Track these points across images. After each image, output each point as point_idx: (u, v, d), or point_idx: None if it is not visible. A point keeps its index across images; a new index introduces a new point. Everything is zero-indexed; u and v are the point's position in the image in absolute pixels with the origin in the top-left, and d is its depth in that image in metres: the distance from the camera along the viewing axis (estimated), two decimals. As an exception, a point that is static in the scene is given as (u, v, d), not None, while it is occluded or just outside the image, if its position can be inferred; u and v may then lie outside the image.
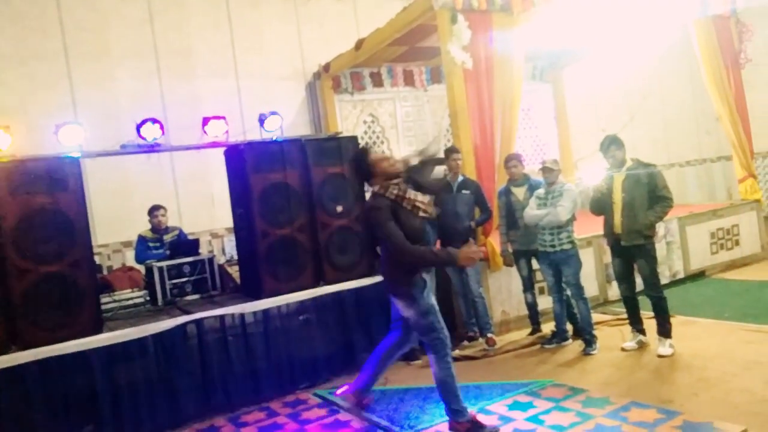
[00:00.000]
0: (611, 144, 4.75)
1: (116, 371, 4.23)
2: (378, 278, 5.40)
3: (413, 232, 3.53)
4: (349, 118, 8.64)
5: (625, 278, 4.86)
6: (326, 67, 8.24)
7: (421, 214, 3.58)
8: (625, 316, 5.12)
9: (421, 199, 3.61)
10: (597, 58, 9.34)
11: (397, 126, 9.04)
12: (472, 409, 3.68)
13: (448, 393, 3.59)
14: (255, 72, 8.11)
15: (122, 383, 4.24)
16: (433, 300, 3.67)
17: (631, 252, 4.73)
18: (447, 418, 3.80)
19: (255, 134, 5.39)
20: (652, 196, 4.64)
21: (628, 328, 5.07)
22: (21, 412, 3.91)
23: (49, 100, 6.81)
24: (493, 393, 4.19)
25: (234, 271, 5.88)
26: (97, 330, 4.25)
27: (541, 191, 5.09)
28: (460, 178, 5.59)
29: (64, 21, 7.07)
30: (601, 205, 4.83)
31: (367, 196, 5.21)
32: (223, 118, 5.00)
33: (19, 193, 4.10)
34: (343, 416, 4.14)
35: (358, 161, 3.79)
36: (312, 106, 8.56)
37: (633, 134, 9.03)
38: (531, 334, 5.59)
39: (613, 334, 5.26)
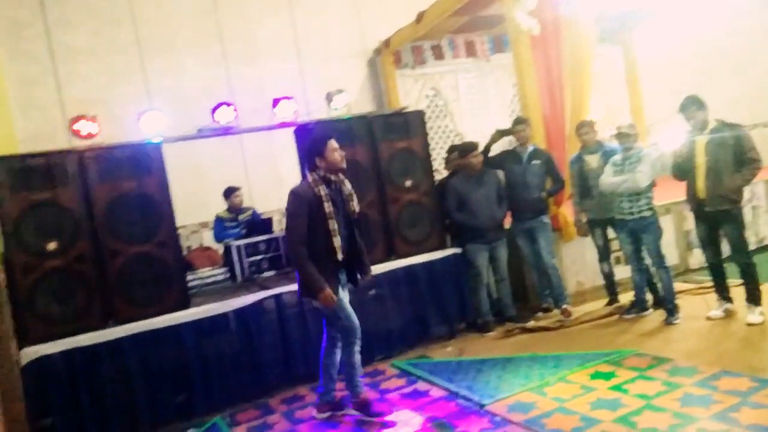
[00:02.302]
0: (692, 104, 4.52)
1: (204, 344, 4.45)
2: (449, 251, 5.42)
3: (323, 234, 3.62)
4: (411, 93, 8.59)
5: (710, 245, 4.65)
6: (387, 43, 8.21)
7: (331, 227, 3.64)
8: (708, 284, 4.92)
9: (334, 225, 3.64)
10: (669, 15, 8.85)
11: (460, 99, 8.91)
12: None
13: (323, 372, 3.92)
14: (316, 52, 8.17)
15: (210, 355, 4.46)
16: (341, 294, 3.80)
17: (716, 218, 4.52)
18: (525, 387, 3.83)
19: (319, 114, 5.45)
20: (738, 158, 4.40)
21: (712, 297, 4.88)
22: (122, 383, 4.19)
23: (125, 91, 7.12)
24: (572, 363, 4.14)
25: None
26: (185, 305, 4.48)
27: (617, 157, 4.92)
28: (530, 148, 5.49)
29: (135, 15, 7.34)
30: (682, 170, 4.62)
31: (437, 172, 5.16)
32: (292, 98, 5.09)
33: (108, 179, 4.34)
34: (421, 386, 4.21)
35: (317, 141, 3.74)
36: (374, 82, 8.56)
37: (710, 94, 8.53)
38: (608, 304, 5.47)
39: (696, 303, 5.07)
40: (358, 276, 3.92)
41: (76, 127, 4.41)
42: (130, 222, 4.38)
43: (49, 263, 4.13)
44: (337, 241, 3.64)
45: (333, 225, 3.63)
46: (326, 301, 3.62)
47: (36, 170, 4.15)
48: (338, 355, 3.95)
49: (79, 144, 4.46)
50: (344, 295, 3.88)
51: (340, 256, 3.67)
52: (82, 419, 4.10)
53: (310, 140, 3.83)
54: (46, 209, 4.15)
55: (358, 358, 3.86)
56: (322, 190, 3.64)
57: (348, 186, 3.85)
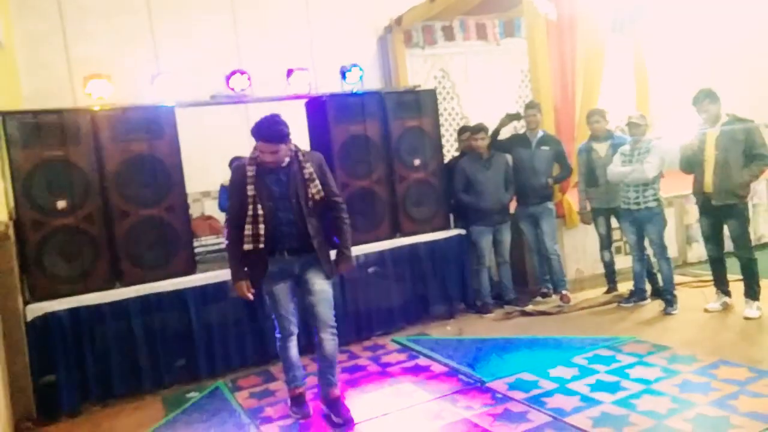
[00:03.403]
0: (705, 97, 4.54)
1: (208, 310, 4.48)
2: (453, 232, 5.46)
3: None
4: (419, 73, 8.55)
5: (712, 238, 4.71)
6: (398, 21, 8.14)
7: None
8: (707, 277, 4.99)
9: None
10: (679, 8, 8.82)
11: (468, 81, 8.89)
12: (300, 387, 3.64)
13: (283, 365, 3.64)
14: (327, 26, 8.10)
15: (213, 321, 4.50)
16: (275, 287, 3.46)
17: (722, 212, 4.57)
18: (526, 367, 3.92)
19: (327, 88, 5.43)
20: (747, 153, 4.44)
21: (709, 290, 4.95)
22: (126, 344, 4.23)
23: (133, 53, 7.04)
24: (572, 346, 4.22)
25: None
26: (191, 270, 4.50)
27: (626, 147, 4.94)
28: (540, 133, 5.50)
29: (146, -24, 7.25)
30: (691, 163, 4.66)
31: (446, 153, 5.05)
32: (306, 70, 5.06)
33: (120, 140, 4.33)
34: (422, 361, 4.27)
35: (256, 131, 3.31)
36: (383, 60, 8.51)
37: (720, 89, 8.55)
38: (607, 292, 5.54)
39: (694, 296, 5.14)
40: (333, 265, 3.51)
41: (89, 86, 4.37)
42: (140, 184, 4.37)
43: (58, 221, 4.13)
44: (250, 229, 3.30)
45: (255, 210, 3.30)
46: (239, 293, 3.44)
47: (48, 127, 4.12)
48: (326, 348, 3.46)
49: (87, 103, 4.43)
50: (319, 281, 3.47)
51: (247, 246, 3.29)
52: (84, 377, 4.13)
53: (257, 123, 3.34)
54: (57, 167, 4.13)
55: (293, 352, 3.58)
56: (249, 171, 3.34)
57: (308, 168, 3.40)
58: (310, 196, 3.39)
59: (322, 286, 3.47)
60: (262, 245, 3.32)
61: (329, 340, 3.45)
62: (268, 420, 3.60)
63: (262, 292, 3.57)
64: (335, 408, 3.48)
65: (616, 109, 9.39)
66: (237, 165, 3.47)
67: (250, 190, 3.33)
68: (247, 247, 3.32)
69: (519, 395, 3.49)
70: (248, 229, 3.31)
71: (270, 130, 3.31)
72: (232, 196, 3.44)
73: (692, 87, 5.00)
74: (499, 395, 3.53)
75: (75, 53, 6.91)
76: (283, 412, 3.68)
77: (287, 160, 3.39)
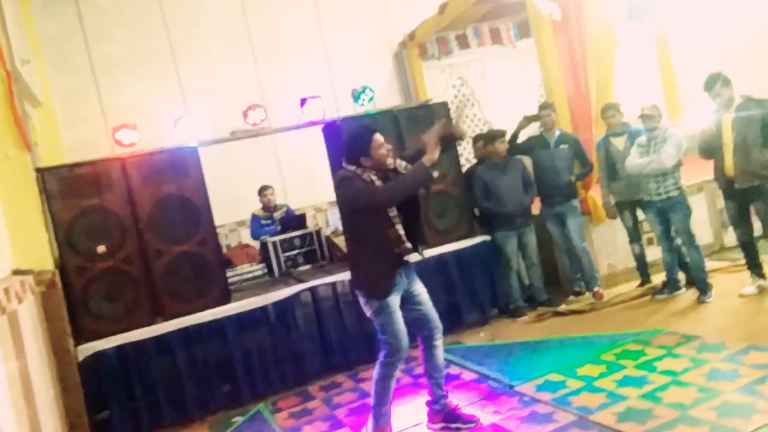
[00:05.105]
0: (717, 82, 4.50)
1: (246, 336, 4.68)
2: (479, 238, 5.52)
3: (379, 225, 3.22)
4: (437, 83, 8.67)
5: (740, 222, 4.64)
6: (411, 35, 8.30)
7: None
8: (742, 262, 4.88)
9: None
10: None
11: (487, 87, 8.94)
12: (390, 426, 3.42)
13: (377, 397, 3.35)
14: (343, 48, 8.33)
15: (252, 346, 4.69)
16: (391, 297, 3.25)
17: (747, 195, 4.50)
18: (554, 368, 3.92)
19: (348, 109, 5.60)
20: (766, 133, 4.36)
21: (746, 275, 4.84)
22: (172, 375, 4.46)
23: (162, 97, 7.41)
24: (601, 343, 4.21)
25: (340, 242, 6.20)
26: (226, 300, 4.72)
27: (642, 139, 4.92)
28: (557, 132, 5.53)
29: (168, 22, 7.63)
30: (710, 148, 4.60)
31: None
32: (319, 97, 5.26)
33: (150, 183, 4.60)
34: (453, 370, 4.33)
35: (359, 140, 3.28)
36: (400, 75, 8.67)
37: (747, 70, 8.30)
38: (641, 285, 5.48)
39: (730, 281, 5.04)
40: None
41: (118, 135, 4.68)
42: (171, 223, 4.62)
43: (99, 265, 4.42)
44: (396, 231, 3.17)
45: (392, 211, 3.19)
46: (434, 149, 3.23)
47: (84, 178, 4.43)
48: (439, 356, 3.46)
49: (122, 151, 4.73)
50: (423, 290, 3.45)
51: (408, 244, 3.18)
52: (136, 410, 4.38)
53: (353, 138, 3.36)
54: (95, 214, 4.43)
55: (392, 383, 3.33)
56: (371, 176, 3.20)
57: (401, 162, 3.38)
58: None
59: (426, 294, 3.44)
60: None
61: (442, 347, 3.46)
62: (306, 438, 3.75)
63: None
64: (458, 416, 3.42)
65: (643, 99, 9.30)
66: (349, 177, 3.26)
67: None
68: (409, 245, 3.19)
69: (546, 396, 3.53)
70: (401, 229, 3.18)
71: (369, 127, 3.38)
72: (364, 187, 3.19)
73: (721, 68, 4.92)
74: (527, 398, 3.58)
75: (108, 103, 7.34)
76: (319, 429, 3.82)
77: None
